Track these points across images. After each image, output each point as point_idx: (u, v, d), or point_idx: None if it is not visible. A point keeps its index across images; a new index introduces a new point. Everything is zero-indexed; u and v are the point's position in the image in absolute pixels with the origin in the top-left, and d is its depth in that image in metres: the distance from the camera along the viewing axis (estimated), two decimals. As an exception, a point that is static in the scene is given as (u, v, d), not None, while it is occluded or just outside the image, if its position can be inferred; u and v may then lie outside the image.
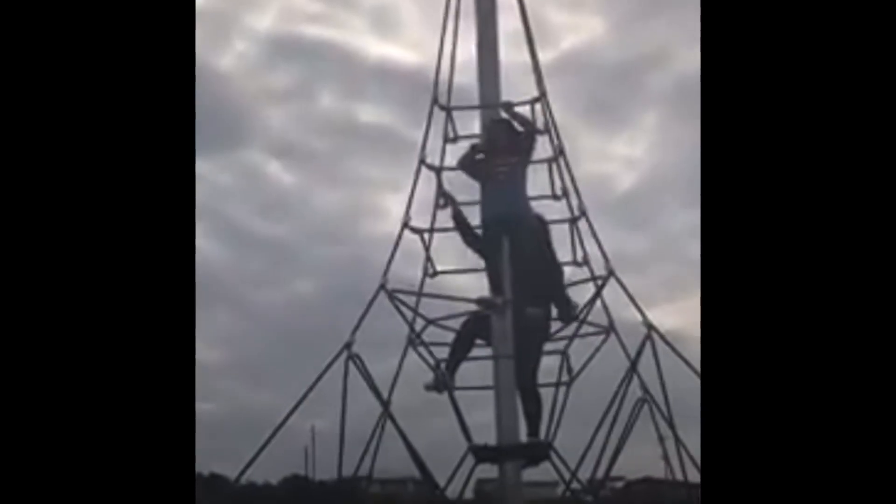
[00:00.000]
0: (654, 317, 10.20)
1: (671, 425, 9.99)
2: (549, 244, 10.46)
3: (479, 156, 10.56)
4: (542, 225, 10.46)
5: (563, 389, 9.91)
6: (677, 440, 10.01)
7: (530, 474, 10.41)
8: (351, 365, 10.24)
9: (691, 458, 10.09)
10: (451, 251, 11.27)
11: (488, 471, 10.47)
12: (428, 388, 10.37)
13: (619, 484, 32.24)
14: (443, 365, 10.18)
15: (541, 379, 10.09)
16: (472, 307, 10.33)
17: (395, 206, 11.76)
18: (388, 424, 10.31)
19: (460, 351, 10.23)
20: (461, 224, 10.54)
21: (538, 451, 9.72)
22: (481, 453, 9.77)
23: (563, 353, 10.13)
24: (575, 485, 10.16)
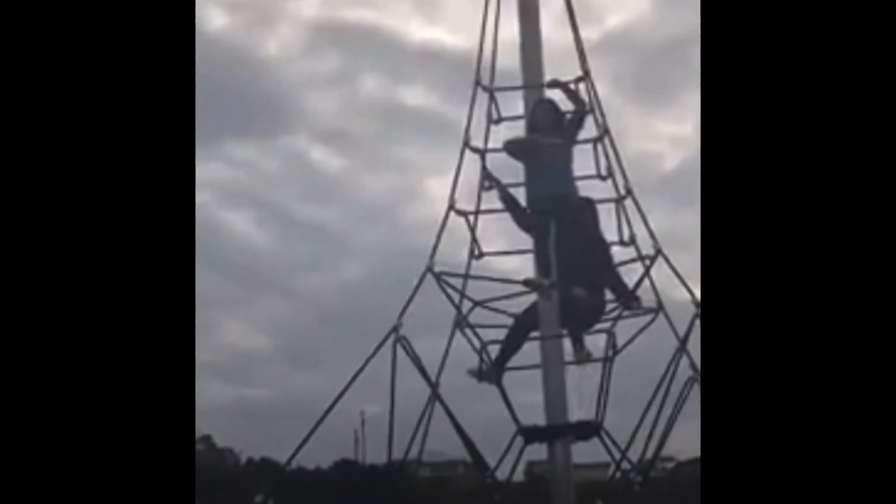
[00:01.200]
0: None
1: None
2: (596, 226, 10.41)
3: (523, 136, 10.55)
4: (590, 206, 10.42)
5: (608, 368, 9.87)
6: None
7: (580, 456, 10.42)
8: (399, 348, 10.27)
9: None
10: (496, 233, 11.28)
11: (538, 453, 10.48)
12: (471, 373, 10.39)
13: (669, 465, 32.11)
14: (489, 349, 10.17)
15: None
16: (519, 288, 10.32)
17: (439, 189, 11.78)
18: (437, 407, 10.33)
19: (514, 343, 10.22)
20: (510, 203, 10.52)
21: (587, 430, 9.71)
22: (530, 434, 9.77)
23: (609, 332, 10.08)
24: (625, 465, 10.12)
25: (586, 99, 10.61)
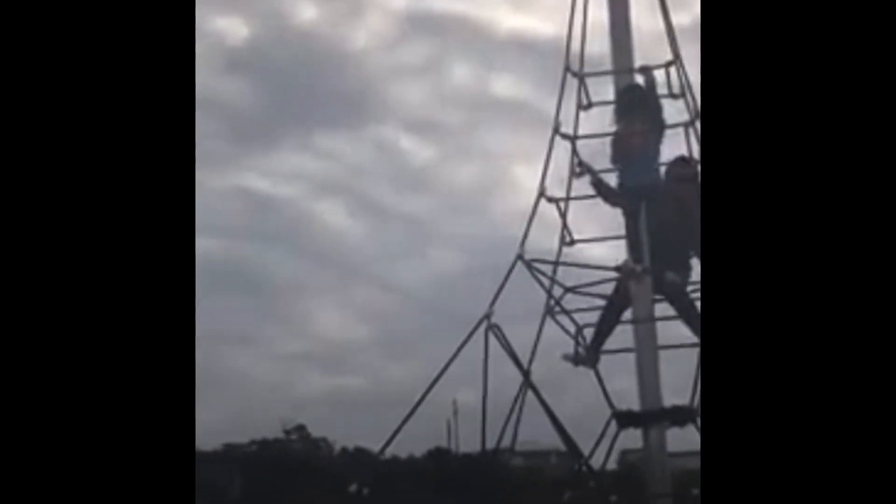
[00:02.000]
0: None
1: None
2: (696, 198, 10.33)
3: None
4: (690, 170, 10.32)
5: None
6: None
7: (676, 444, 10.35)
8: (491, 336, 10.29)
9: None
10: (587, 220, 11.24)
11: (633, 441, 10.44)
12: (567, 358, 10.38)
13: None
14: (585, 331, 10.17)
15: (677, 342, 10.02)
16: (611, 275, 10.29)
17: (529, 178, 11.72)
18: (530, 395, 10.34)
19: (607, 324, 10.21)
20: (601, 188, 10.49)
21: (682, 415, 9.65)
22: (624, 419, 9.74)
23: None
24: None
25: (676, 84, 10.53)
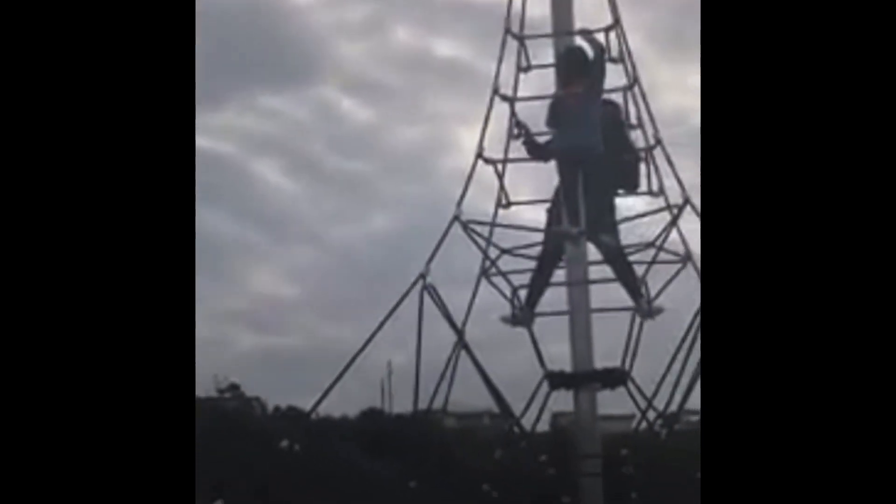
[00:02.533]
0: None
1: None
2: (622, 126, 10.40)
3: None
4: (613, 109, 10.38)
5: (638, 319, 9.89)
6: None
7: (606, 407, 10.46)
8: (426, 296, 10.30)
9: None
10: (525, 182, 11.25)
11: (564, 403, 10.53)
12: (504, 320, 10.42)
13: (695, 418, 32.14)
14: (521, 293, 10.21)
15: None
16: (546, 237, 10.32)
17: (469, 140, 11.67)
18: (463, 358, 10.36)
19: (541, 279, 10.25)
20: (533, 147, 10.47)
21: (614, 378, 9.74)
22: (556, 380, 9.82)
23: (641, 280, 10.08)
24: (650, 414, 10.12)
25: (615, 48, 10.53)
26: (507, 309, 10.34)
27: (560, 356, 10.13)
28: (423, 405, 11.01)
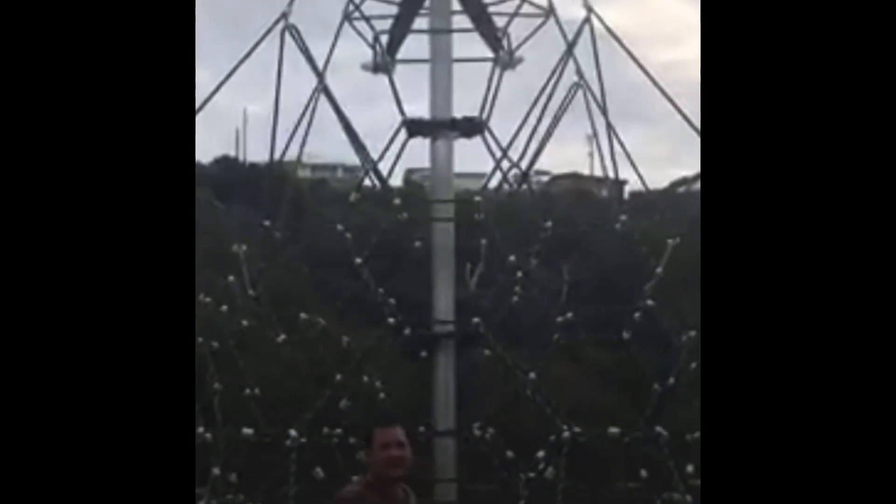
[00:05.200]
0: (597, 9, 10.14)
1: (604, 112, 10.08)
2: None
3: None
4: None
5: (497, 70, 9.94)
6: (609, 126, 10.12)
7: (462, 164, 10.59)
8: (287, 44, 10.09)
9: (623, 148, 10.25)
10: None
11: (420, 161, 10.63)
12: (365, 67, 10.34)
13: (545, 178, 32.89)
14: (382, 38, 10.12)
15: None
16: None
17: None
18: (320, 110, 10.23)
19: (402, 25, 10.14)
20: None
21: (471, 126, 9.83)
22: (414, 126, 9.85)
23: (504, 32, 10.07)
24: (505, 165, 10.30)
25: None
26: (369, 59, 10.27)
27: (419, 112, 10.14)
28: (278, 157, 10.99)
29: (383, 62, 10.06)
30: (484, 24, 10.08)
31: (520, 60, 10.03)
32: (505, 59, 9.96)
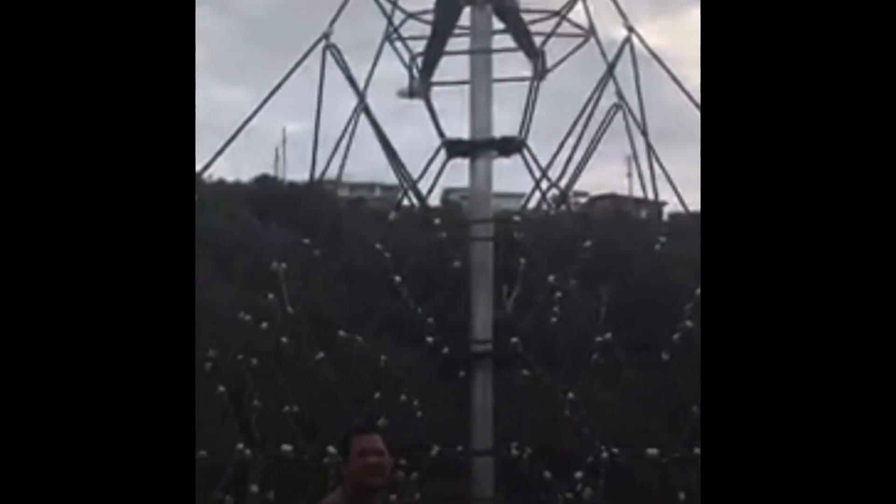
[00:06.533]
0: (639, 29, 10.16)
1: (644, 132, 10.08)
2: None
3: None
4: None
5: (536, 87, 9.97)
6: (649, 147, 10.11)
7: (501, 185, 10.60)
8: (328, 63, 10.17)
9: (664, 170, 10.23)
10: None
11: (458, 180, 10.65)
12: (401, 93, 10.40)
13: (583, 199, 32.88)
14: (418, 60, 10.16)
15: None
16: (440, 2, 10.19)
17: None
18: (360, 128, 10.30)
19: (436, 46, 10.18)
20: None
21: (510, 145, 9.86)
22: (453, 147, 9.90)
23: (539, 52, 10.09)
24: (544, 185, 10.33)
25: None
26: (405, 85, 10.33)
27: (459, 130, 10.19)
28: (317, 175, 11.06)
29: (419, 87, 10.11)
30: (522, 38, 10.10)
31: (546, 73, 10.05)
32: (539, 69, 9.97)
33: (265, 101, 10.39)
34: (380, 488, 4.76)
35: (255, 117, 10.32)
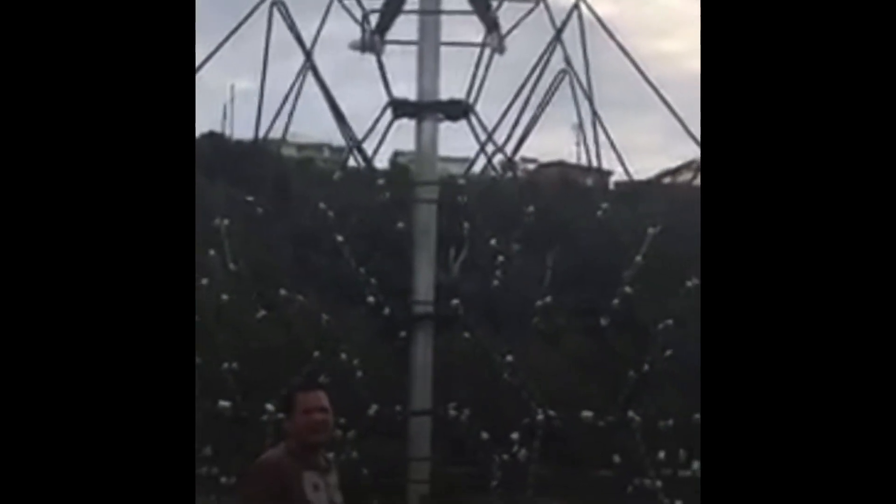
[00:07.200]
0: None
1: (590, 99, 10.10)
2: None
3: None
4: None
5: (486, 54, 9.95)
6: (594, 114, 10.14)
7: (446, 149, 10.58)
8: (276, 13, 10.07)
9: (608, 137, 10.27)
10: None
11: (408, 143, 10.61)
12: (353, 46, 10.32)
13: (531, 165, 32.89)
14: (371, 18, 10.10)
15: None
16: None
17: None
18: (306, 90, 10.21)
19: (392, 3, 10.11)
20: None
21: (457, 108, 9.84)
22: (400, 107, 9.86)
23: (495, 21, 10.06)
24: (490, 149, 10.33)
25: None
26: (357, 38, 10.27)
27: (406, 94, 10.15)
28: (263, 134, 10.99)
29: (371, 41, 10.04)
30: (479, 4, 10.07)
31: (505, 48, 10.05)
32: (493, 42, 9.95)
33: (209, 56, 10.28)
34: (323, 444, 4.77)
35: (201, 70, 10.21)
